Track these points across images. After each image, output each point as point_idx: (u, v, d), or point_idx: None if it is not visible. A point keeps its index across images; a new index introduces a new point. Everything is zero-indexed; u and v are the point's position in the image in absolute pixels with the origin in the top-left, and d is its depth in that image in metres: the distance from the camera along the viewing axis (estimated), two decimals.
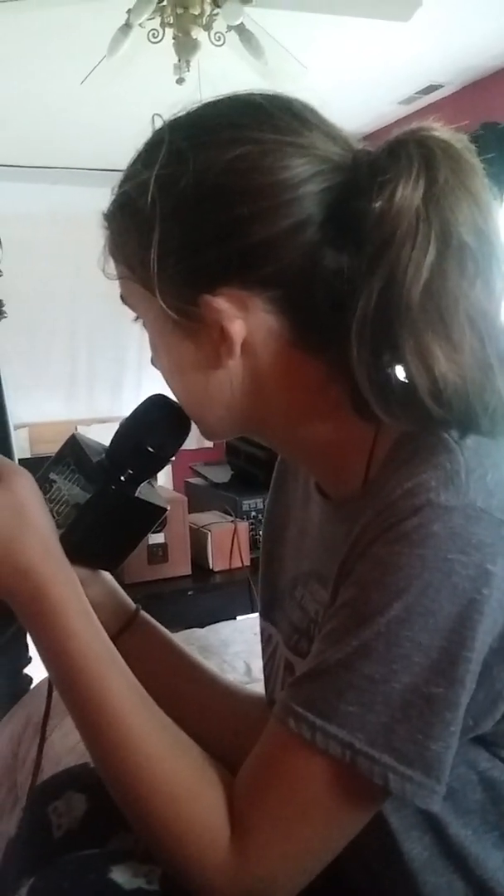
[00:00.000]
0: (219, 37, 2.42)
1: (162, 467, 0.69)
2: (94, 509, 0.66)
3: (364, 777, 0.51)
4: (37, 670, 1.43)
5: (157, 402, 0.67)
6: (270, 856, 0.54)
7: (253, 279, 0.56)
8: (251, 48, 2.40)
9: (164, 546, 1.70)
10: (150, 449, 0.66)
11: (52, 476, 0.69)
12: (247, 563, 1.77)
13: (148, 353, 0.66)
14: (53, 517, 0.65)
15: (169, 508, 0.72)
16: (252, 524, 1.85)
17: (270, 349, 0.58)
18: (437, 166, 0.52)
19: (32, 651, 1.43)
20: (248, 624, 1.60)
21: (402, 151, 0.53)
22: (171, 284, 0.57)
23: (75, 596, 0.59)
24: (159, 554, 1.70)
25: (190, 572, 1.73)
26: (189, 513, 1.79)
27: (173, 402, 0.66)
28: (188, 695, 0.73)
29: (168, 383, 0.63)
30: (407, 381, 0.53)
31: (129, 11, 2.25)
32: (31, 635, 0.60)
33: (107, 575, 0.75)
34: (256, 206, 0.54)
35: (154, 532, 1.69)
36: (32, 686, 1.43)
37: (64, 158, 4.11)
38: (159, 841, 0.56)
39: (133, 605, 0.77)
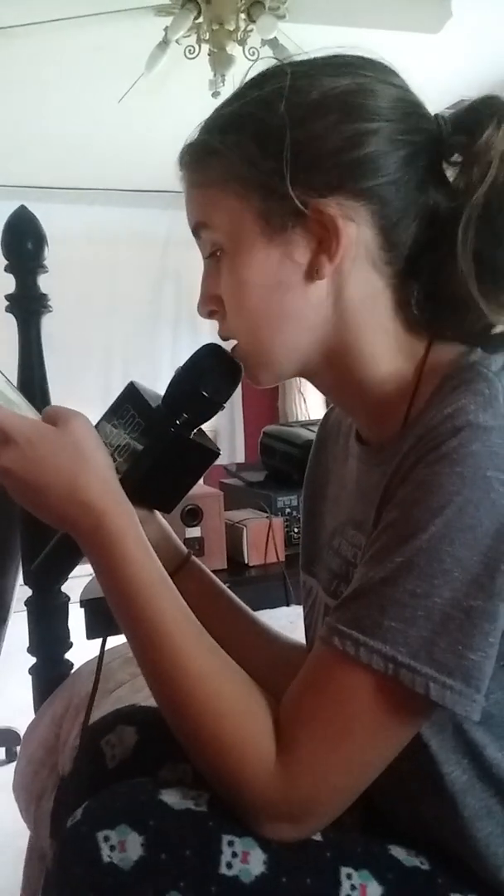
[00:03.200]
0: (253, 51, 2.49)
1: (215, 412, 0.73)
2: (152, 451, 0.70)
3: (406, 689, 0.53)
4: (77, 656, 1.45)
5: (210, 350, 0.71)
6: (315, 772, 0.56)
7: (361, 189, 0.62)
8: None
9: (200, 540, 1.72)
10: (205, 394, 0.70)
11: (113, 421, 0.72)
12: (282, 558, 1.78)
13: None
14: (114, 460, 0.68)
15: (220, 453, 0.74)
16: (287, 520, 1.87)
17: (359, 269, 0.63)
18: None
19: (73, 636, 1.45)
20: (283, 613, 1.60)
21: (484, 110, 0.62)
22: (283, 189, 0.61)
23: (132, 527, 0.62)
24: (196, 547, 1.72)
25: (226, 566, 1.75)
26: (225, 510, 1.81)
27: (225, 349, 0.70)
28: (232, 637, 0.75)
29: (241, 307, 0.66)
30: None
31: (166, 29, 2.34)
32: (91, 564, 0.63)
33: (161, 517, 0.78)
34: (373, 124, 0.61)
35: (191, 526, 1.71)
36: (73, 671, 1.45)
37: (100, 180, 4.22)
38: (207, 758, 0.58)
39: (185, 549, 0.79)
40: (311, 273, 0.63)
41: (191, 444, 0.71)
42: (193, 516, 1.72)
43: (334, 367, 0.66)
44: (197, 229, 0.67)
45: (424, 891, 0.61)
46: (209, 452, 0.73)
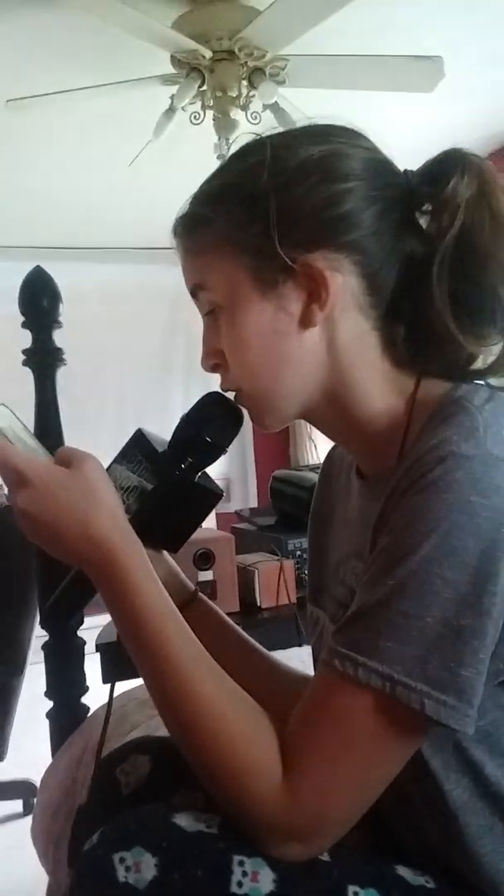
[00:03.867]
0: (255, 116, 2.61)
1: (218, 456, 0.77)
2: (158, 493, 0.74)
3: (403, 706, 0.56)
4: (93, 700, 1.48)
5: (213, 398, 0.76)
6: (320, 788, 0.58)
7: (343, 242, 0.67)
8: (285, 124, 2.58)
9: (212, 583, 1.75)
10: (208, 439, 0.75)
11: (123, 464, 0.77)
12: (293, 599, 1.80)
13: None
14: (123, 500, 0.72)
15: (224, 494, 0.79)
16: (297, 562, 1.89)
17: (348, 314, 0.69)
18: (480, 171, 0.68)
19: (89, 681, 1.48)
20: (296, 653, 1.62)
21: (448, 161, 0.69)
22: (272, 248, 0.67)
23: (140, 561, 0.66)
24: (208, 591, 1.75)
25: (238, 609, 1.77)
26: (236, 554, 1.85)
27: (228, 397, 0.75)
28: (241, 671, 0.77)
29: (242, 359, 0.71)
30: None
31: (172, 97, 2.46)
32: (103, 597, 0.67)
33: (167, 556, 0.82)
34: (348, 184, 0.67)
35: (203, 570, 1.74)
36: (89, 714, 1.47)
37: (111, 239, 4.35)
38: (216, 781, 0.61)
39: (192, 586, 0.83)
40: (304, 321, 0.68)
41: (195, 486, 0.76)
42: (205, 560, 1.75)
43: (332, 407, 0.71)
44: (195, 291, 0.73)
45: None
46: (213, 494, 0.78)
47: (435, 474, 0.58)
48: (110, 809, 0.70)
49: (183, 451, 0.75)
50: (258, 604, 1.81)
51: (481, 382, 0.69)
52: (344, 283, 0.68)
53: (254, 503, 4.67)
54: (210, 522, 4.28)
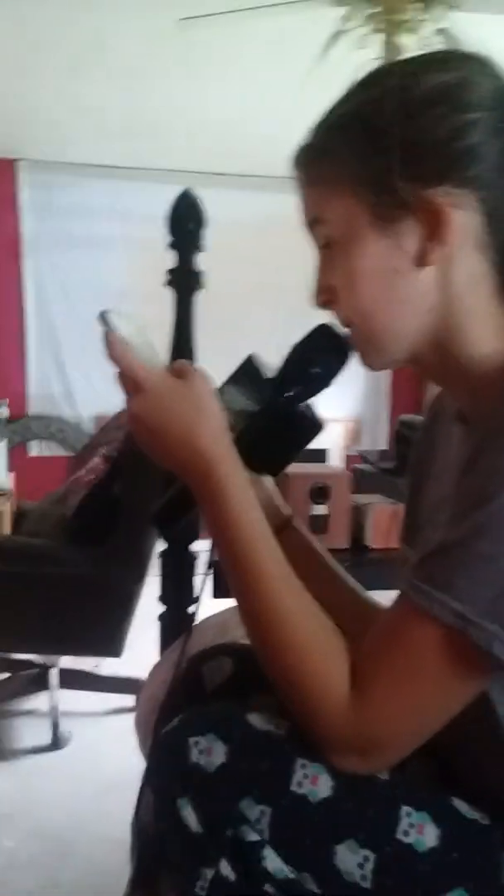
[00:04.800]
0: (425, 40, 2.49)
1: (324, 388, 0.79)
2: (262, 418, 0.77)
3: (472, 644, 0.57)
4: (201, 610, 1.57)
5: (322, 330, 0.77)
6: (384, 712, 0.61)
7: (467, 177, 0.65)
8: None
9: (325, 518, 1.79)
10: (316, 370, 0.76)
11: (231, 387, 0.80)
12: None
13: None
14: (229, 421, 0.76)
15: (326, 425, 0.81)
16: None
17: (466, 254, 0.67)
18: None
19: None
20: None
21: None
22: (393, 182, 0.66)
23: (237, 476, 0.70)
24: (321, 524, 1.79)
25: (348, 546, 1.80)
26: (354, 493, 1.87)
27: (336, 330, 0.75)
28: (327, 598, 0.81)
29: (354, 296, 0.71)
30: None
31: (342, 17, 2.39)
32: (200, 505, 0.71)
33: (268, 480, 0.85)
34: (475, 114, 0.65)
35: (318, 503, 1.78)
36: (195, 623, 1.57)
37: (268, 167, 4.32)
38: (289, 690, 0.65)
39: (288, 511, 0.86)
40: (421, 260, 0.67)
41: (297, 414, 0.79)
42: (321, 494, 1.78)
43: (439, 351, 0.71)
44: (311, 224, 0.73)
45: (479, 841, 0.65)
46: (314, 424, 0.80)
47: None
48: (193, 701, 0.76)
49: (288, 380, 0.78)
50: (368, 544, 1.83)
51: None
52: (465, 220, 0.66)
53: (383, 446, 4.63)
54: (334, 460, 4.31)
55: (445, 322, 0.69)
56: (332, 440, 4.60)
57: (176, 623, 1.55)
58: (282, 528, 0.85)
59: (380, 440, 4.74)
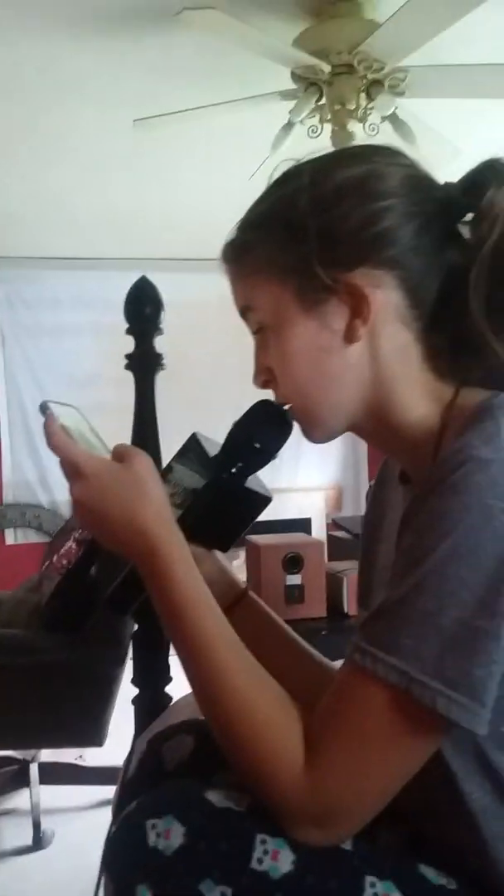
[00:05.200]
0: (373, 128, 2.62)
1: (267, 462, 0.81)
2: (207, 495, 0.79)
3: (418, 702, 0.57)
4: (176, 689, 1.54)
5: (262, 406, 0.79)
6: (339, 778, 0.61)
7: (383, 259, 0.70)
8: (404, 135, 2.59)
9: (301, 587, 1.79)
10: (257, 445, 0.79)
11: (175, 465, 0.82)
12: None
13: None
14: (175, 499, 0.77)
15: (273, 498, 0.83)
16: None
17: (390, 328, 0.71)
18: None
19: (174, 672, 1.54)
20: None
21: (487, 172, 0.70)
22: (314, 269, 0.70)
23: (180, 554, 0.70)
24: (296, 595, 1.78)
25: (325, 614, 1.80)
26: (329, 560, 1.88)
27: (276, 404, 0.78)
28: (286, 668, 0.80)
29: (289, 375, 0.75)
30: None
31: (290, 112, 2.52)
32: (147, 586, 0.71)
33: (219, 555, 0.86)
34: (386, 202, 0.70)
35: (292, 573, 1.78)
36: (171, 703, 1.53)
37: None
38: (243, 764, 0.65)
39: (242, 584, 0.87)
40: (348, 337, 0.71)
41: (242, 490, 0.80)
42: (294, 564, 1.78)
43: (375, 418, 0.74)
44: (244, 312, 0.78)
45: None
46: (261, 498, 0.82)
47: (454, 478, 0.59)
48: (153, 783, 0.75)
49: (232, 456, 0.80)
50: (345, 610, 1.83)
51: None
52: (385, 297, 0.70)
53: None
54: (317, 528, 4.30)
55: (377, 392, 0.72)
56: (314, 508, 4.61)
57: (150, 705, 1.52)
58: (237, 600, 0.85)
59: (362, 506, 4.75)
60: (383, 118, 2.56)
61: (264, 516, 0.85)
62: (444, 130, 2.78)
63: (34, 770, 2.26)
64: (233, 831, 0.63)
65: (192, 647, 0.67)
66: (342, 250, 0.70)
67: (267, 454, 0.80)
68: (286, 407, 0.77)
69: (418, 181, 0.73)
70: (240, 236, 0.76)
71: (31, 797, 2.19)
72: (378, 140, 2.84)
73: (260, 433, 0.79)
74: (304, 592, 1.79)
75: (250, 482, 0.81)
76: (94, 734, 2.15)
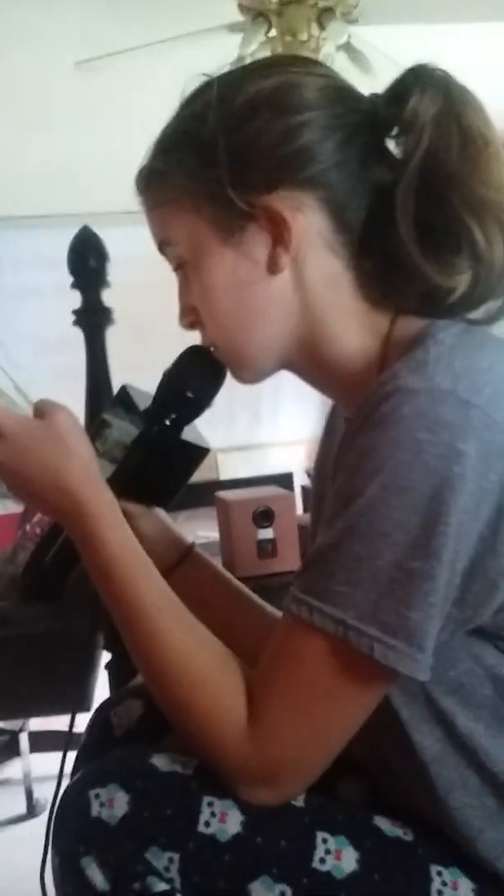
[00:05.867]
0: (328, 58, 2.52)
1: (202, 411, 0.77)
2: (141, 449, 0.74)
3: (356, 650, 0.54)
4: None
5: (193, 351, 0.75)
6: (282, 734, 0.58)
7: (302, 178, 0.64)
8: (360, 65, 2.49)
9: (272, 542, 1.75)
10: (190, 394, 0.74)
11: (108, 418, 0.77)
12: None
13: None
14: (107, 456, 0.73)
15: (211, 449, 0.78)
16: None
17: (316, 255, 0.66)
18: (444, 85, 0.63)
19: None
20: None
21: (410, 79, 0.64)
22: (227, 194, 0.64)
23: (110, 510, 0.67)
24: (268, 549, 1.75)
25: (298, 567, 1.77)
26: (305, 512, 1.84)
27: (208, 350, 0.73)
28: (237, 624, 0.78)
29: (212, 313, 0.69)
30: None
31: (239, 45, 2.41)
32: (77, 547, 0.68)
33: (160, 512, 0.82)
34: (303, 115, 0.64)
35: (263, 528, 1.75)
36: None
37: None
38: (185, 725, 0.62)
39: (188, 541, 0.83)
40: (271, 267, 0.65)
41: (177, 442, 0.76)
42: (266, 518, 1.74)
43: (307, 355, 0.69)
44: (161, 247, 0.71)
45: (402, 860, 0.62)
46: (198, 449, 0.77)
47: (381, 411, 0.55)
48: (102, 748, 0.72)
49: (165, 407, 0.75)
50: None
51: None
52: (308, 221, 0.64)
53: None
54: (299, 481, 4.29)
55: (308, 325, 0.67)
56: (295, 462, 4.59)
57: (123, 670, 1.49)
58: (183, 557, 0.81)
59: None
60: (338, 48, 2.47)
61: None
62: (403, 60, 2.68)
63: (24, 739, 2.25)
64: (179, 795, 0.61)
65: (125, 608, 0.64)
66: (257, 171, 0.64)
67: (200, 403, 0.75)
68: (213, 348, 0.72)
69: (338, 92, 0.67)
70: (150, 163, 0.70)
71: (22, 766, 2.19)
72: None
73: (192, 381, 0.74)
74: (277, 546, 1.75)
75: (186, 433, 0.77)
76: (79, 700, 2.13)
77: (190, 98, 0.69)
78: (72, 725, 0.79)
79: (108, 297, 1.44)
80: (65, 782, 0.67)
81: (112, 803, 0.60)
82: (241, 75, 0.67)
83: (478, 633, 0.59)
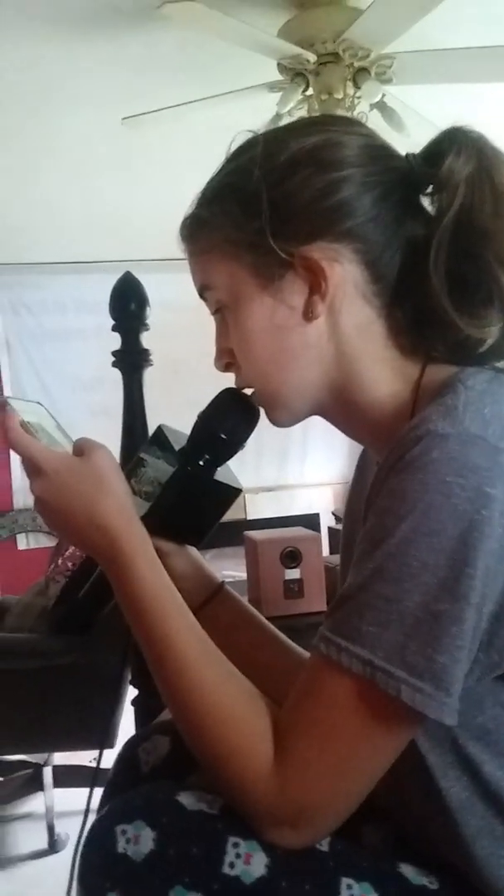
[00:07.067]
0: (362, 116, 2.60)
1: (235, 452, 0.79)
2: (175, 488, 0.77)
3: (383, 692, 0.55)
4: None
5: (228, 394, 0.78)
6: (308, 775, 0.59)
7: (340, 231, 0.67)
8: (393, 123, 2.56)
9: (300, 582, 1.77)
10: (224, 436, 0.77)
11: (144, 457, 0.81)
12: None
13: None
14: (142, 495, 0.76)
15: (242, 489, 0.81)
16: None
17: (351, 304, 0.69)
18: (478, 146, 0.66)
19: None
20: None
21: (446, 140, 0.68)
22: (268, 244, 0.68)
23: (143, 548, 0.69)
24: (295, 589, 1.76)
25: (325, 608, 1.78)
26: (331, 554, 1.85)
27: (243, 393, 0.76)
28: (265, 663, 0.79)
29: (249, 355, 0.72)
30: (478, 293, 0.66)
31: (278, 103, 2.50)
32: (111, 583, 0.70)
33: (192, 550, 0.85)
34: (343, 172, 0.68)
35: (290, 568, 1.76)
36: None
37: None
38: (211, 764, 0.63)
39: (218, 579, 0.85)
40: (307, 314, 0.69)
41: (210, 482, 0.78)
42: (293, 558, 1.76)
43: (339, 400, 0.72)
44: (202, 291, 0.75)
45: None
46: (230, 489, 0.80)
47: (412, 454, 0.57)
48: (129, 785, 0.73)
49: (199, 448, 0.78)
50: None
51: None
52: (344, 272, 0.68)
53: None
54: (325, 523, 4.27)
55: (341, 370, 0.70)
56: (322, 504, 4.59)
57: (150, 706, 1.51)
58: (213, 595, 0.83)
59: None
60: (372, 106, 2.53)
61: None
62: (434, 118, 2.74)
63: (48, 773, 2.25)
64: (204, 835, 0.62)
65: (156, 645, 0.66)
66: (297, 223, 0.68)
67: (234, 444, 0.78)
68: (250, 392, 0.75)
69: (377, 150, 0.71)
70: (195, 212, 0.74)
71: (45, 801, 2.19)
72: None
73: (225, 423, 0.77)
74: (303, 587, 1.77)
75: (219, 474, 0.79)
76: (104, 736, 2.14)
77: (236, 153, 0.73)
78: (99, 760, 0.81)
79: (146, 340, 1.49)
80: (90, 818, 0.69)
81: (138, 840, 0.60)
82: (285, 132, 0.72)
83: None
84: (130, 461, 0.81)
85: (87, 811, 0.74)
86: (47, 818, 2.15)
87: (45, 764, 2.28)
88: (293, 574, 1.74)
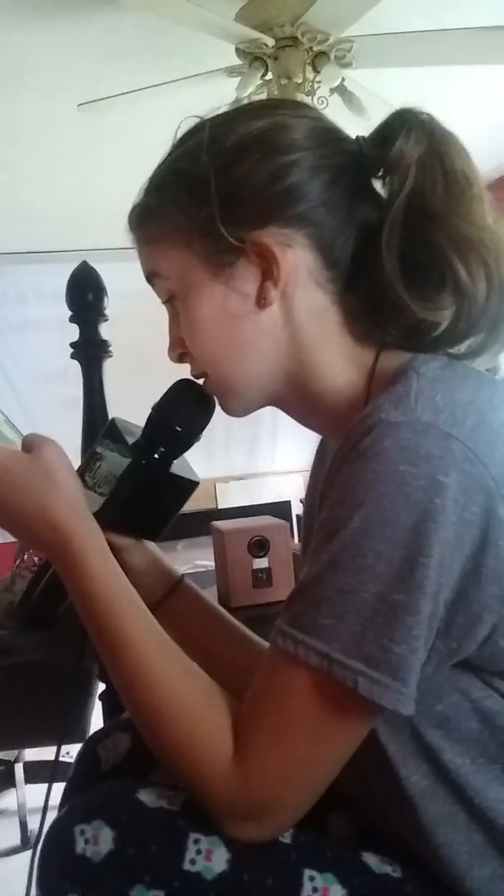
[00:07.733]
0: (322, 101, 2.58)
1: (191, 444, 0.78)
2: (129, 482, 0.75)
3: (340, 684, 0.55)
4: None
5: (182, 385, 0.76)
6: (268, 769, 0.58)
7: (291, 216, 0.66)
8: (353, 107, 2.55)
9: (268, 571, 1.76)
10: (178, 428, 0.75)
11: (98, 451, 0.79)
12: None
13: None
14: (95, 490, 0.74)
15: (199, 482, 0.79)
16: None
17: (305, 290, 0.68)
18: (428, 128, 0.66)
19: None
20: None
21: (395, 122, 0.67)
22: (218, 230, 0.67)
23: (96, 544, 0.67)
24: (264, 578, 1.76)
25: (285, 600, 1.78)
26: (299, 542, 1.85)
27: (197, 383, 0.75)
28: (225, 655, 0.79)
29: (201, 344, 0.71)
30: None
31: (236, 88, 2.47)
32: (64, 581, 0.68)
33: (150, 544, 0.83)
34: (292, 156, 0.66)
35: (258, 557, 1.76)
36: None
37: None
38: (170, 759, 0.62)
39: (178, 573, 0.84)
40: (260, 301, 0.67)
41: (166, 475, 0.77)
42: (260, 547, 1.76)
43: (294, 388, 0.71)
44: (150, 278, 0.74)
45: None
46: (187, 482, 0.78)
47: (364, 444, 0.56)
48: (89, 782, 0.72)
49: (153, 440, 0.76)
50: None
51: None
52: (296, 257, 0.67)
53: None
54: (297, 510, 4.29)
55: (295, 359, 0.69)
56: (293, 491, 4.59)
57: (117, 700, 1.49)
58: (172, 589, 0.82)
59: None
60: (332, 90, 2.52)
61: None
62: (396, 102, 2.74)
63: (19, 770, 2.23)
64: (165, 832, 0.61)
65: (111, 641, 0.64)
66: (247, 208, 0.66)
67: (189, 436, 0.77)
68: (202, 381, 0.74)
69: (326, 133, 0.70)
70: (143, 200, 0.73)
71: (17, 797, 2.17)
72: (328, 113, 2.79)
73: (180, 414, 0.76)
74: (272, 575, 1.77)
75: (175, 466, 0.78)
76: (74, 730, 2.13)
77: (183, 138, 0.72)
78: (57, 755, 0.80)
79: (106, 331, 1.47)
80: (51, 815, 0.67)
81: (97, 840, 0.59)
82: (232, 117, 0.70)
83: (463, 667, 0.60)
84: (85, 455, 0.79)
85: (45, 808, 0.73)
86: (19, 814, 2.14)
87: (17, 760, 2.26)
88: (261, 563, 1.73)
